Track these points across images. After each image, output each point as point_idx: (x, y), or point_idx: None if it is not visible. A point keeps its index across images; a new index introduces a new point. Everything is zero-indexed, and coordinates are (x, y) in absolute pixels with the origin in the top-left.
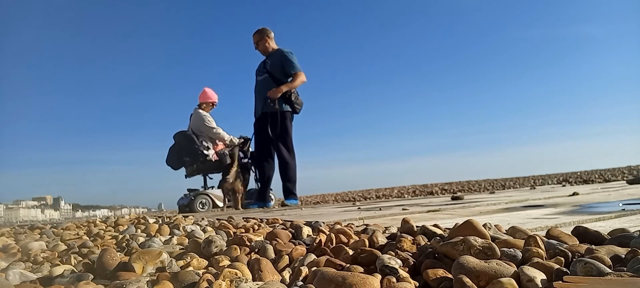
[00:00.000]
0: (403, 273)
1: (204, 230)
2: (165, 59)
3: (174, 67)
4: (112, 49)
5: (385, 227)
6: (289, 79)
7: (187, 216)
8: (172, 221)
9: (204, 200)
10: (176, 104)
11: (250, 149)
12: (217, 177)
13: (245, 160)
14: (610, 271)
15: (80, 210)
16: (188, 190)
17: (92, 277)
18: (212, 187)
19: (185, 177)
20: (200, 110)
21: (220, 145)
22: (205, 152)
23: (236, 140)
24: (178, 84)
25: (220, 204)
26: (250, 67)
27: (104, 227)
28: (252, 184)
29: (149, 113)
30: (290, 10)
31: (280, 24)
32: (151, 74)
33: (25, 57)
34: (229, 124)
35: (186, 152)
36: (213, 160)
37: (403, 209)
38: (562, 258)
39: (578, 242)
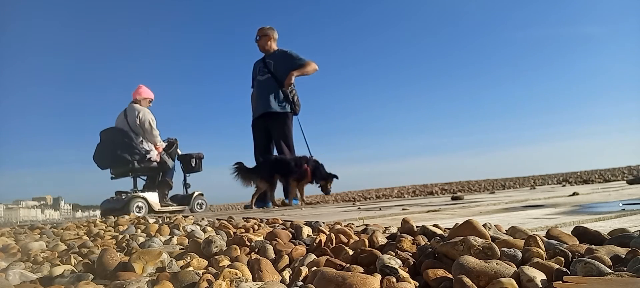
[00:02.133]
0: (403, 273)
1: (204, 230)
2: (167, 55)
3: (176, 63)
4: (114, 45)
5: (385, 227)
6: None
7: (187, 216)
8: (172, 221)
9: (140, 204)
10: (177, 102)
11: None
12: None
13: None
14: (610, 271)
15: (80, 210)
16: (116, 192)
17: (92, 277)
18: (142, 190)
19: (112, 178)
20: (145, 108)
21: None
22: (145, 152)
23: (163, 145)
24: (179, 82)
25: (157, 208)
26: (240, 67)
27: (104, 227)
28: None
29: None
30: (286, 8)
31: (275, 21)
32: (151, 72)
33: (25, 54)
34: (228, 121)
35: (124, 149)
36: (156, 160)
37: (403, 209)
38: (562, 258)
39: (578, 242)
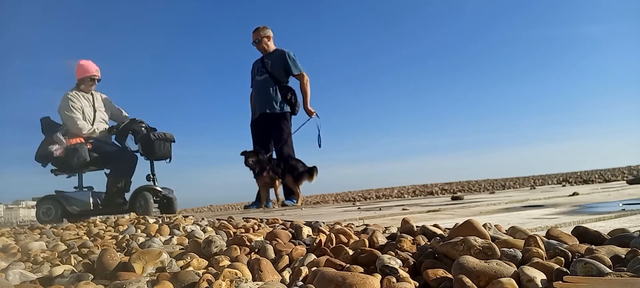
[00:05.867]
0: (403, 273)
1: (204, 230)
2: (166, 54)
3: (175, 62)
4: (112, 43)
5: (385, 227)
6: (288, 81)
7: (187, 216)
8: (172, 221)
9: (49, 206)
10: (177, 101)
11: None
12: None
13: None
14: (610, 271)
15: None
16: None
17: (92, 277)
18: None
19: (56, 174)
20: (73, 92)
21: (76, 139)
22: (52, 146)
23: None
24: (179, 80)
25: (75, 211)
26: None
27: (104, 227)
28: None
29: (148, 111)
30: (286, 8)
31: (273, 19)
32: (152, 70)
33: (24, 53)
34: (227, 122)
35: (47, 142)
36: (55, 155)
37: (403, 209)
38: (562, 258)
39: (578, 242)
